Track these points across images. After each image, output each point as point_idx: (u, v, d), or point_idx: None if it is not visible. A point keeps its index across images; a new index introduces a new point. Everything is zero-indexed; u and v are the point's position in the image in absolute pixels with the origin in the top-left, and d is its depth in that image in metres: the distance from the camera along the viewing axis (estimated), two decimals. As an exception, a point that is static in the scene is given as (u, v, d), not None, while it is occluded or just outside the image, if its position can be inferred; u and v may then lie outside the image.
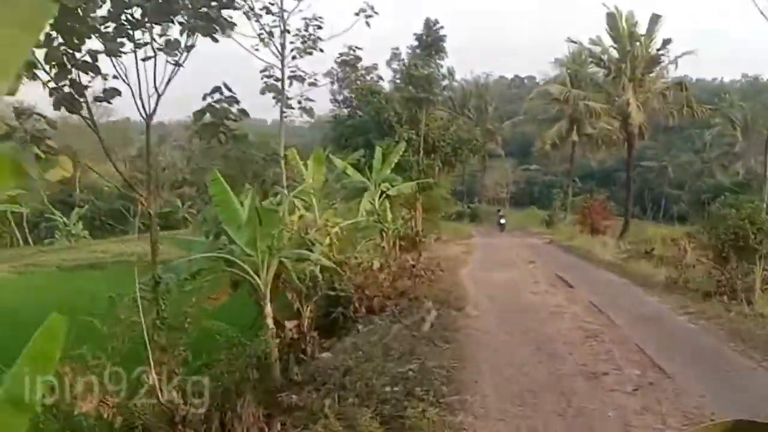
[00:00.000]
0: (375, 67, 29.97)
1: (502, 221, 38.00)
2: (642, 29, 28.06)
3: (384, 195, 21.32)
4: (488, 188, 58.11)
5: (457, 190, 45.75)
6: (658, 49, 28.17)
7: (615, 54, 28.79)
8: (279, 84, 15.05)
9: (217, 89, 8.94)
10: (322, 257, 11.82)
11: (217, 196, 10.40)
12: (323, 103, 32.46)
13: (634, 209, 46.23)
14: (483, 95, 54.80)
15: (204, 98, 8.95)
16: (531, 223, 40.78)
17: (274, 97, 15.55)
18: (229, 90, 9.02)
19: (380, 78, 28.80)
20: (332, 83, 34.85)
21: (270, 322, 10.08)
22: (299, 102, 14.75)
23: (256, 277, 10.00)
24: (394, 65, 32.97)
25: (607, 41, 28.86)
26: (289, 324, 10.93)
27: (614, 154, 48.14)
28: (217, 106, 8.92)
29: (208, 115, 9.01)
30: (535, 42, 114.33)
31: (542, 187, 66.24)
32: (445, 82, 30.80)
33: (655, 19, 27.96)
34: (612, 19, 28.16)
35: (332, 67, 35.73)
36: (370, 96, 26.50)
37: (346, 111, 28.98)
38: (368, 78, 29.56)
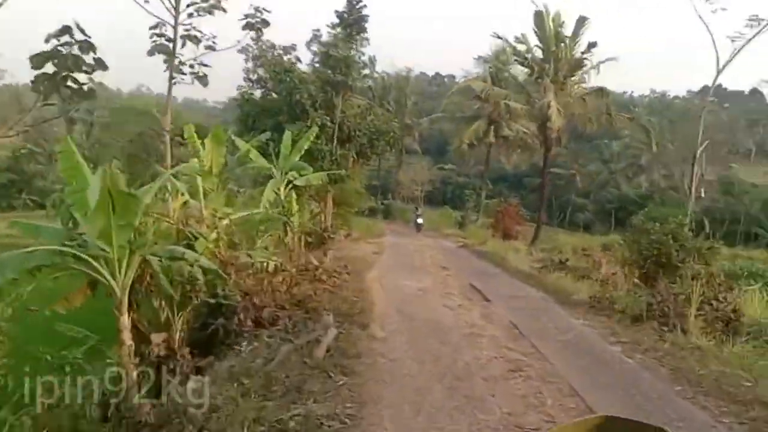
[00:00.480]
0: (293, 47, 27.81)
1: (420, 221, 35.76)
2: (569, 31, 27.72)
3: (291, 185, 19.50)
4: (403, 185, 57.18)
5: (371, 185, 44.40)
6: (583, 53, 27.88)
7: (539, 54, 28.29)
8: (171, 45, 12.85)
9: (65, 30, 6.80)
10: (202, 256, 9.90)
11: (66, 172, 8.27)
12: (237, 82, 29.96)
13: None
14: (403, 88, 53.66)
15: (47, 40, 6.78)
16: (444, 224, 40.05)
17: (165, 61, 13.33)
18: (83, 33, 6.90)
19: (298, 60, 26.58)
20: (246, 61, 32.27)
21: (127, 336, 8.09)
22: (191, 66, 12.60)
23: (110, 279, 7.99)
24: (314, 47, 30.99)
25: (533, 40, 28.37)
26: (156, 338, 8.94)
27: (526, 160, 48.62)
28: (64, 51, 6.78)
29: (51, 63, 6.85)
30: (459, 42, 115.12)
31: (455, 187, 66.27)
32: (366, 71, 29.01)
33: (581, 21, 27.62)
34: (539, 17, 27.56)
35: (247, 44, 33.07)
36: (282, 74, 24.45)
37: (259, 91, 26.66)
38: (285, 59, 27.39)
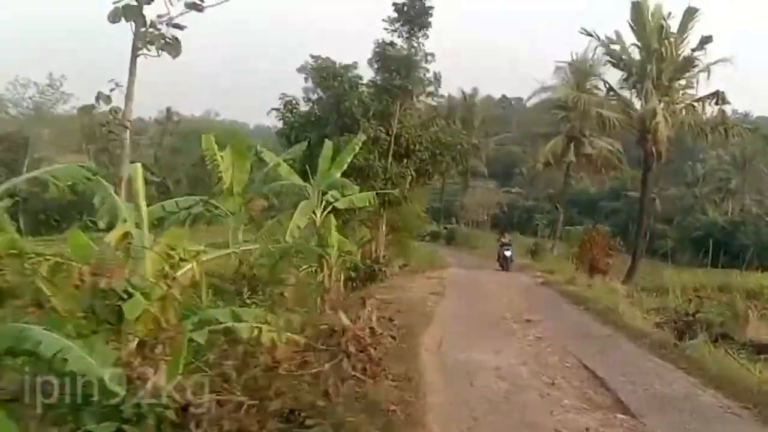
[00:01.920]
0: (355, 65, 22.86)
1: (508, 253, 25.06)
2: (674, 26, 21.96)
3: (330, 207, 14.83)
4: (468, 208, 51.70)
5: (432, 208, 39.32)
6: (693, 49, 21.98)
7: (636, 55, 22.65)
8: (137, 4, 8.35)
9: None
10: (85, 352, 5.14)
11: None
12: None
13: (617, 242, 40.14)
14: (470, 107, 48.48)
15: None
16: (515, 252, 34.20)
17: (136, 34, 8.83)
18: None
19: (360, 78, 21.34)
20: (306, 80, 27.76)
21: None
22: (158, 29, 8.02)
23: None
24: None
25: (628, 39, 22.73)
26: None
27: (605, 181, 42.37)
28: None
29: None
30: (525, 65, 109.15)
31: (522, 211, 60.17)
32: (431, 88, 23.52)
33: (690, 13, 21.80)
34: (637, 10, 21.93)
35: (306, 61, 28.65)
36: (331, 80, 19.93)
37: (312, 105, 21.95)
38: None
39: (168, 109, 68.56)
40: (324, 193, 14.47)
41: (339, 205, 14.50)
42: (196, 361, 6.09)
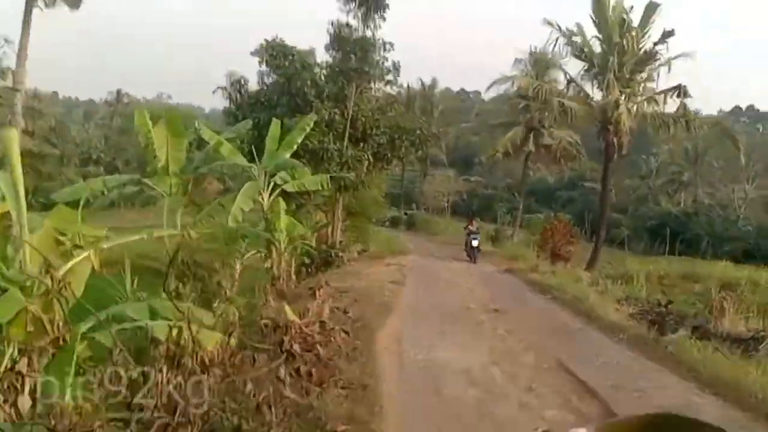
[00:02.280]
0: (312, 52, 21.33)
1: (475, 242, 22.10)
2: (635, 19, 21.41)
3: (279, 190, 13.48)
4: (427, 195, 50.91)
5: (392, 194, 38.20)
6: (656, 43, 21.47)
7: (597, 48, 22.05)
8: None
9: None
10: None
11: None
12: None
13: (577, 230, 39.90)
14: (429, 97, 47.42)
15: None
16: (476, 238, 33.43)
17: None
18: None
19: (317, 64, 19.87)
20: (260, 63, 26.10)
21: None
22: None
23: None
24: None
25: (590, 32, 22.10)
26: None
27: (564, 171, 42.05)
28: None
29: None
30: (482, 63, 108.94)
31: (482, 199, 59.76)
32: (390, 77, 22.09)
33: (651, 8, 21.29)
34: (599, 3, 21.30)
35: (261, 44, 26.83)
36: (281, 59, 18.46)
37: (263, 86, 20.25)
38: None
39: (118, 91, 65.75)
40: (272, 175, 13.15)
41: (288, 187, 13.19)
42: (93, 372, 4.74)
